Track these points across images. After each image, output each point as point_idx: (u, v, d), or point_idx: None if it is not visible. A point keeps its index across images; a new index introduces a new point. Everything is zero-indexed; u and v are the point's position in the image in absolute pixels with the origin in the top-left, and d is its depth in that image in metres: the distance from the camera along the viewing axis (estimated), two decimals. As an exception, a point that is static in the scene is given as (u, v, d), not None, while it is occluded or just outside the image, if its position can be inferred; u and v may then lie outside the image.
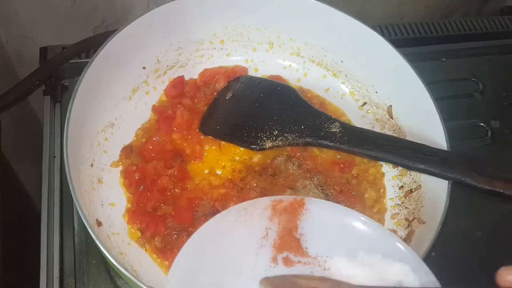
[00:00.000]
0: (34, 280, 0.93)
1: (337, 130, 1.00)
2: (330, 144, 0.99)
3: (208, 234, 0.70)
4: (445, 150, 0.93)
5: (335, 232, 0.75)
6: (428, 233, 0.85)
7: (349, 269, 0.70)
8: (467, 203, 1.06)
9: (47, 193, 1.03)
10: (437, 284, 0.67)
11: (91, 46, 1.21)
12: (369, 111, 1.16)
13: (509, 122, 1.30)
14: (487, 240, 1.06)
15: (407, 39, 1.44)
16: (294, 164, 1.04)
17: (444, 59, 1.42)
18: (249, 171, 1.04)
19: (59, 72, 1.19)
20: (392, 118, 1.11)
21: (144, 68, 1.13)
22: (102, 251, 0.78)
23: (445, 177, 0.88)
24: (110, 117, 1.06)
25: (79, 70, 0.95)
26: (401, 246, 0.73)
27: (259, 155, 1.06)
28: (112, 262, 0.77)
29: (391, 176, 1.07)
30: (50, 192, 1.04)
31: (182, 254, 0.66)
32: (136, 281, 0.75)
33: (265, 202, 0.77)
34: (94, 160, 1.00)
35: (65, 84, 1.20)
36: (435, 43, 1.45)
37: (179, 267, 0.65)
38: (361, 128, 1.04)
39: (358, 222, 0.76)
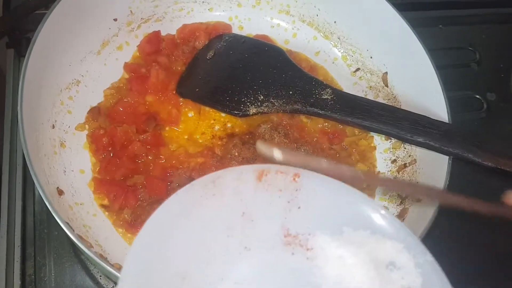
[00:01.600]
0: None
1: (329, 97, 0.92)
2: (320, 112, 0.91)
3: (168, 216, 0.59)
4: (446, 123, 0.86)
5: (317, 205, 0.64)
6: (424, 212, 0.79)
7: (335, 249, 0.62)
8: (461, 179, 1.00)
9: (8, 154, 0.94)
10: (435, 264, 0.60)
11: (60, -5, 1.08)
12: (362, 77, 1.08)
13: (505, 95, 1.24)
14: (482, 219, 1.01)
15: (405, 3, 1.34)
16: (280, 133, 0.96)
17: (441, 26, 1.33)
18: (231, 139, 0.96)
19: (24, 24, 1.07)
20: (387, 86, 1.03)
21: (115, 20, 1.02)
22: (60, 225, 0.69)
23: (446, 152, 0.81)
24: (75, 73, 0.96)
25: (46, 22, 0.85)
26: (392, 221, 0.63)
27: (242, 122, 0.97)
28: (72, 239, 0.69)
29: (383, 149, 1.00)
30: (12, 153, 0.95)
31: (136, 243, 0.55)
32: (98, 259, 0.67)
33: (247, 172, 0.66)
34: (56, 121, 0.90)
35: (30, 37, 1.06)
36: (433, 8, 1.36)
37: (134, 259, 0.54)
38: (355, 95, 0.95)
39: (343, 194, 0.65)
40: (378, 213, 0.64)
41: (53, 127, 0.89)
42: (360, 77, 1.08)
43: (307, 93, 0.93)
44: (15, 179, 0.93)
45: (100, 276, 0.87)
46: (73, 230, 0.72)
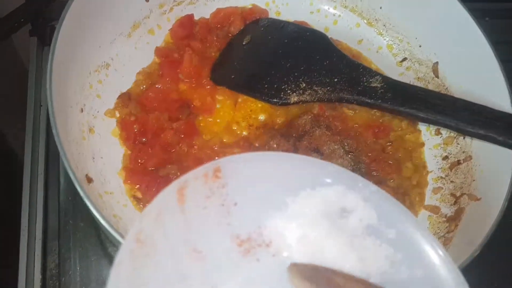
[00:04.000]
0: (13, 242, 0.83)
1: (379, 85, 0.84)
2: (369, 101, 0.84)
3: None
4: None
5: (250, 189, 0.57)
6: (487, 211, 0.72)
7: (291, 228, 0.54)
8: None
9: (31, 145, 0.92)
10: (381, 191, 0.55)
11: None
12: (410, 68, 1.00)
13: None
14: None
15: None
16: (321, 125, 0.89)
17: (487, 18, 1.25)
18: (269, 129, 0.89)
19: (48, 11, 1.04)
20: (438, 77, 0.95)
21: (147, 0, 0.96)
22: (92, 211, 0.64)
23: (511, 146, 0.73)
24: (105, 56, 0.91)
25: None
26: (321, 166, 0.58)
27: (281, 112, 0.91)
28: (104, 226, 0.63)
29: (433, 145, 0.93)
30: (34, 144, 0.92)
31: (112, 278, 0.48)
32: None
33: (166, 202, 0.54)
34: (85, 104, 0.85)
35: (55, 25, 1.02)
36: (479, 0, 1.28)
37: None
38: (407, 83, 0.88)
39: (269, 164, 0.58)
40: (304, 167, 0.58)
41: (82, 111, 0.83)
42: (407, 68, 1.00)
43: (354, 81, 0.86)
44: (37, 169, 0.89)
45: (128, 271, 0.81)
46: (104, 218, 0.65)
